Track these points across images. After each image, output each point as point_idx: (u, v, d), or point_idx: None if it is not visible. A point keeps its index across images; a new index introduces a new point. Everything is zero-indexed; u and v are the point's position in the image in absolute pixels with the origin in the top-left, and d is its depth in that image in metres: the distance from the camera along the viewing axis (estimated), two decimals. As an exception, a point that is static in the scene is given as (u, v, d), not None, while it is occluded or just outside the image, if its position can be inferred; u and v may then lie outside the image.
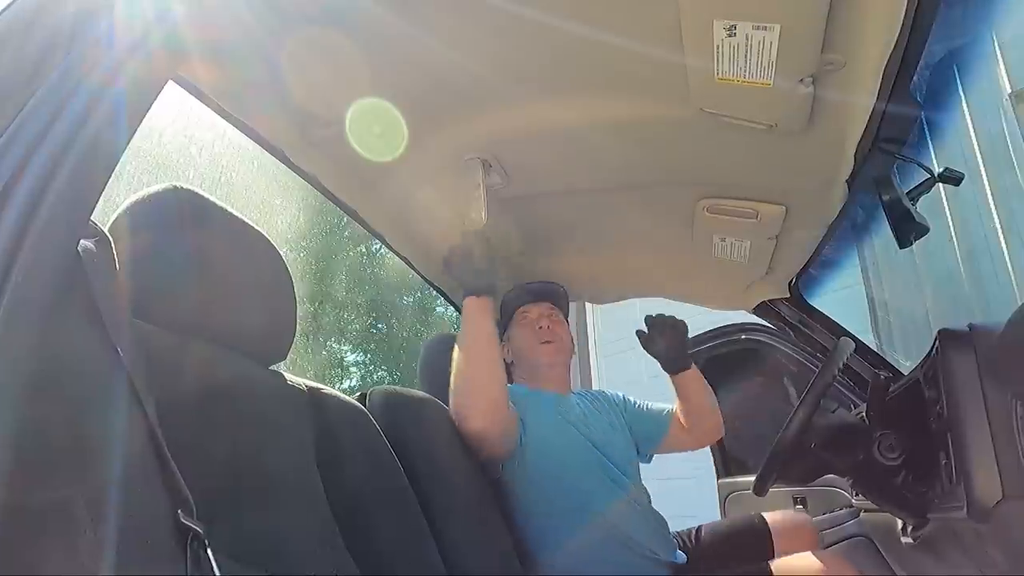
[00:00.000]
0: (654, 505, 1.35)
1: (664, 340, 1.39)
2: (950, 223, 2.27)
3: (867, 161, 0.97)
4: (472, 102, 1.00)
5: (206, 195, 0.73)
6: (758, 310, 1.65)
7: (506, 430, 1.17)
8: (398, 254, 1.45)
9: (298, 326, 0.82)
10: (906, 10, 0.67)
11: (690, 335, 1.96)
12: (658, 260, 1.52)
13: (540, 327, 1.37)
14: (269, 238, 0.79)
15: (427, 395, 1.14)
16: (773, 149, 1.00)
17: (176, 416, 0.48)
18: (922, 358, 1.01)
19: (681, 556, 1.30)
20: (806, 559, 1.24)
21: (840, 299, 2.19)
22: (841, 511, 1.59)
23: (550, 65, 0.89)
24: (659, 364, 1.42)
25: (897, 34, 0.69)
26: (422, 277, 1.53)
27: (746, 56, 0.75)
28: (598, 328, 4.56)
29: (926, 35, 0.72)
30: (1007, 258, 2.05)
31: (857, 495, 1.41)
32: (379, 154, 1.09)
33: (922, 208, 1.00)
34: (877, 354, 1.55)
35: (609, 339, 4.34)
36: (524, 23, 0.78)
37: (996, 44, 2.03)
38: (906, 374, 1.19)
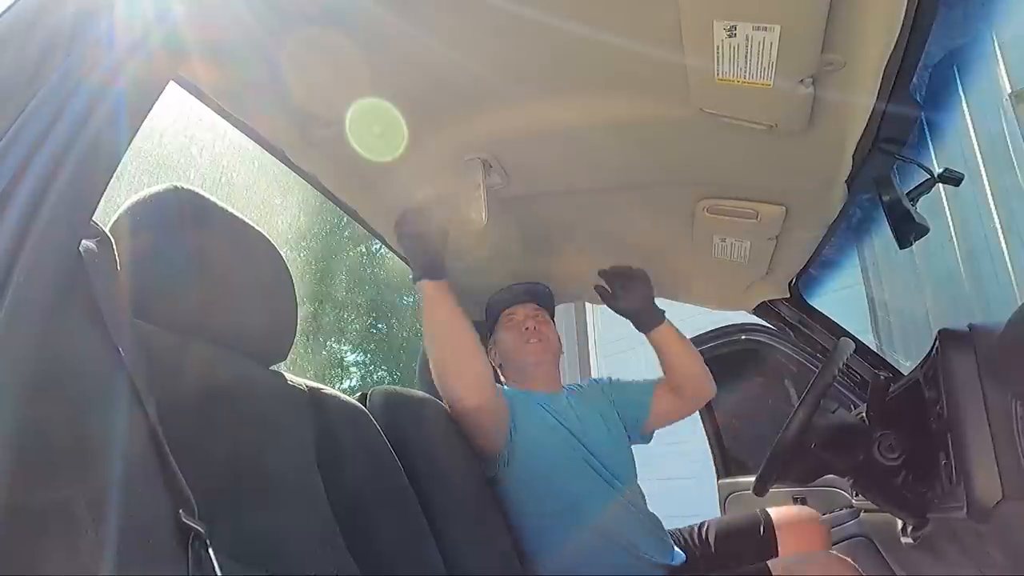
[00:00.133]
0: (654, 505, 1.35)
1: (629, 294, 1.35)
2: (950, 223, 2.28)
3: (867, 161, 0.97)
4: (472, 102, 1.00)
5: (207, 195, 0.73)
6: (758, 310, 1.65)
7: (498, 410, 1.18)
8: (398, 254, 1.45)
9: (298, 326, 0.82)
10: (906, 10, 0.67)
11: (690, 335, 1.98)
12: (658, 260, 1.52)
13: (526, 327, 1.37)
14: (269, 238, 0.79)
15: (427, 395, 1.15)
16: (773, 149, 1.00)
17: (177, 416, 0.48)
18: (922, 358, 1.01)
19: (680, 556, 1.30)
20: (805, 559, 1.24)
21: (840, 299, 2.19)
22: (841, 511, 1.59)
23: (550, 65, 0.89)
24: (631, 322, 1.38)
25: (897, 34, 0.69)
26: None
27: (746, 57, 0.75)
28: (598, 328, 4.57)
29: (926, 35, 0.72)
30: (1007, 258, 2.05)
31: (857, 495, 1.41)
32: (379, 154, 1.09)
33: (922, 208, 1.00)
34: (877, 354, 1.55)
35: (609, 339, 4.35)
36: (524, 23, 0.78)
37: (996, 44, 2.04)
38: (906, 374, 1.19)
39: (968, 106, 2.13)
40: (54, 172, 0.41)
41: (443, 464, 1.06)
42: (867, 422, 1.06)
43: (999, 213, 2.08)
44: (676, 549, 1.32)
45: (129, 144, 0.48)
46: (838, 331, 1.57)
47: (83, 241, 0.44)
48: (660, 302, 1.42)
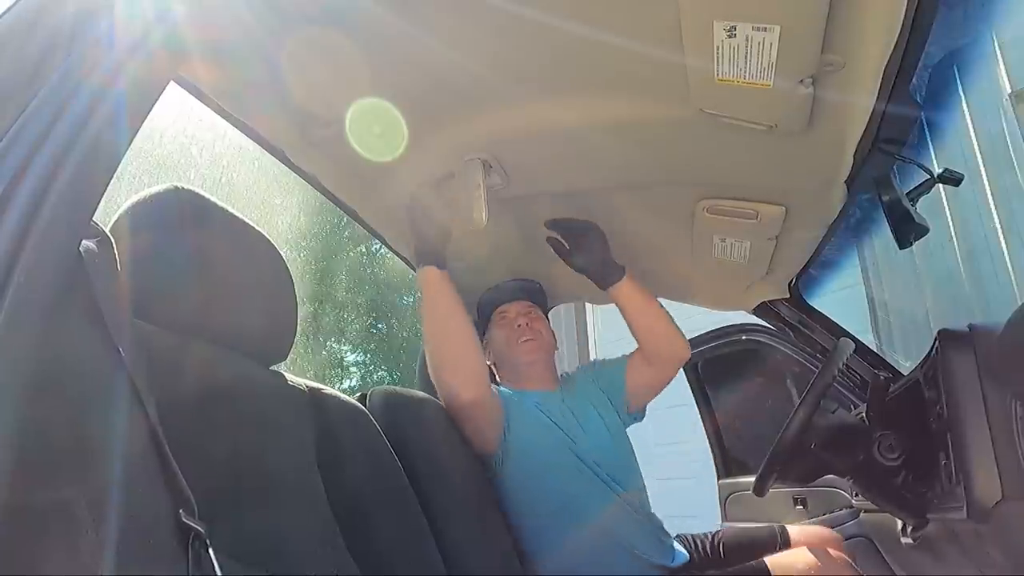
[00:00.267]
0: (654, 505, 1.34)
1: (584, 247, 1.28)
2: (950, 223, 2.28)
3: (867, 161, 0.97)
4: (472, 102, 1.00)
5: (207, 195, 0.73)
6: (758, 310, 1.65)
7: (493, 408, 1.18)
8: (398, 254, 1.45)
9: (298, 326, 0.82)
10: (906, 10, 0.67)
11: (690, 335, 1.97)
12: (658, 260, 1.52)
13: (519, 325, 1.36)
14: (270, 238, 0.79)
15: (427, 395, 1.15)
16: (773, 149, 1.00)
17: (177, 416, 0.48)
18: (922, 358, 1.01)
19: (681, 557, 1.29)
20: (803, 557, 1.24)
21: (840, 299, 2.19)
22: (841, 511, 1.59)
23: (550, 65, 0.89)
24: (591, 280, 1.32)
25: (897, 34, 0.69)
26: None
27: (746, 57, 0.75)
28: (598, 328, 4.57)
29: (926, 35, 0.72)
30: (1007, 258, 2.05)
31: (857, 495, 1.41)
32: (379, 154, 1.09)
33: (922, 208, 1.00)
34: (877, 354, 1.55)
35: (609, 339, 4.34)
36: (524, 23, 0.78)
37: (996, 44, 2.04)
38: (906, 374, 1.19)
39: (968, 106, 2.13)
40: (54, 172, 0.41)
41: (443, 464, 1.06)
42: (867, 422, 1.06)
43: (999, 213, 2.08)
44: (680, 549, 1.32)
45: (129, 144, 0.48)
46: (838, 331, 1.57)
47: (83, 241, 0.44)
48: (661, 302, 1.42)
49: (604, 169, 1.19)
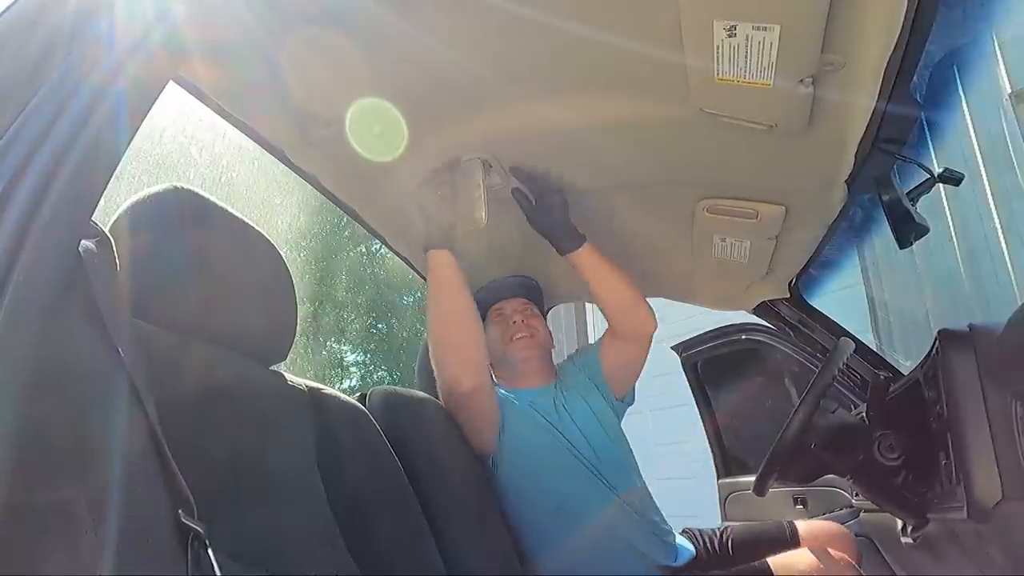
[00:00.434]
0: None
1: (548, 209, 1.22)
2: (950, 223, 2.28)
3: (867, 161, 0.97)
4: (472, 102, 1.00)
5: (206, 195, 0.73)
6: (758, 310, 1.65)
7: (491, 403, 1.17)
8: (398, 254, 1.45)
9: (298, 326, 0.82)
10: (906, 10, 0.67)
11: (690, 335, 1.98)
12: (658, 260, 1.52)
13: (514, 321, 1.36)
14: (269, 238, 0.79)
15: (427, 395, 1.15)
16: (773, 149, 1.00)
17: (177, 416, 0.48)
18: (922, 358, 1.01)
19: (686, 555, 1.29)
20: (805, 557, 1.24)
21: (840, 299, 2.19)
22: (841, 511, 1.59)
23: (550, 65, 0.89)
24: (551, 244, 1.27)
25: (897, 34, 0.69)
26: (422, 277, 1.53)
27: (746, 56, 0.75)
28: (598, 328, 4.56)
29: (926, 35, 0.72)
30: (1007, 258, 2.05)
31: (857, 495, 1.41)
32: (379, 154, 1.09)
33: (922, 208, 1.00)
34: (877, 354, 1.55)
35: (609, 339, 4.34)
36: (524, 23, 0.78)
37: (996, 44, 2.04)
38: (906, 374, 1.19)
39: (968, 106, 2.13)
40: (54, 172, 0.41)
41: (443, 464, 1.05)
42: (867, 422, 1.06)
43: (999, 213, 2.08)
44: (686, 546, 1.31)
45: (129, 144, 0.48)
46: (838, 331, 1.57)
47: (83, 241, 0.44)
48: (660, 302, 1.42)
49: (604, 169, 1.19)
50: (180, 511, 0.42)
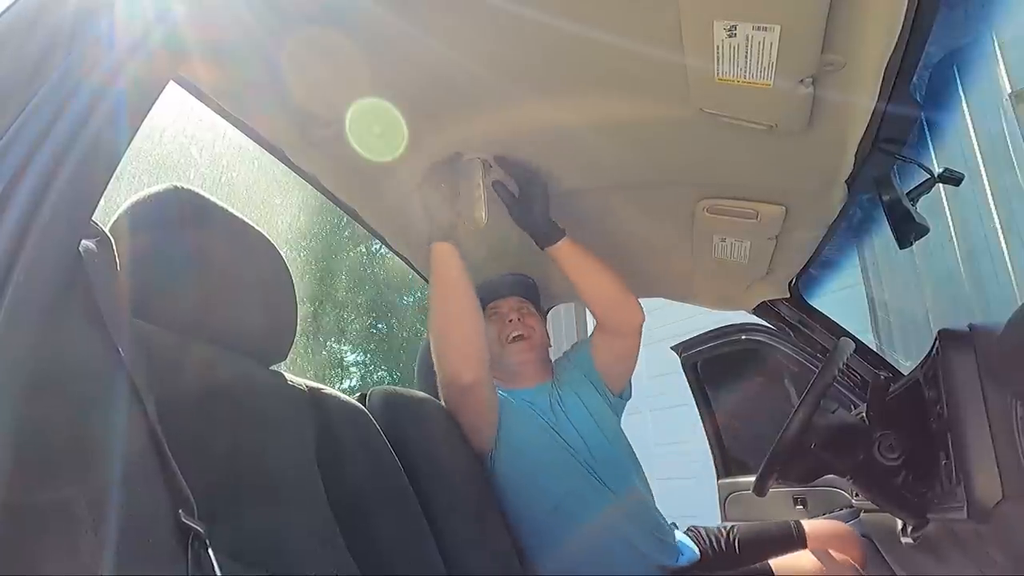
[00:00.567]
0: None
1: (529, 200, 1.19)
2: (950, 223, 2.28)
3: (867, 161, 0.97)
4: (472, 102, 1.00)
5: (207, 195, 0.73)
6: (758, 310, 1.65)
7: (490, 400, 1.17)
8: (398, 254, 1.45)
9: (298, 326, 0.82)
10: (906, 10, 0.67)
11: (690, 335, 1.97)
12: (658, 260, 1.52)
13: (510, 320, 1.36)
14: (269, 238, 0.79)
15: (427, 395, 1.15)
16: (773, 149, 1.00)
17: (177, 416, 0.48)
18: (922, 358, 1.01)
19: (689, 555, 1.28)
20: (806, 558, 1.24)
21: (840, 299, 2.19)
22: (841, 511, 1.59)
23: (551, 65, 0.89)
24: (532, 237, 1.24)
25: (897, 34, 0.69)
26: (422, 277, 1.53)
27: (746, 57, 0.75)
28: (598, 328, 4.56)
29: (926, 35, 0.72)
30: (1007, 258, 2.05)
31: (857, 495, 1.41)
32: (379, 154, 1.09)
33: (922, 208, 1.00)
34: (877, 354, 1.55)
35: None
36: (524, 23, 0.78)
37: (996, 44, 2.04)
38: (906, 374, 1.19)
39: (968, 106, 2.13)
40: (54, 171, 0.41)
41: (443, 464, 1.06)
42: (867, 422, 1.06)
43: (999, 213, 2.08)
44: (690, 546, 1.31)
45: (129, 144, 0.48)
46: (838, 331, 1.57)
47: (83, 241, 0.44)
48: (661, 302, 1.41)
49: (605, 169, 1.19)
50: (180, 511, 0.42)
